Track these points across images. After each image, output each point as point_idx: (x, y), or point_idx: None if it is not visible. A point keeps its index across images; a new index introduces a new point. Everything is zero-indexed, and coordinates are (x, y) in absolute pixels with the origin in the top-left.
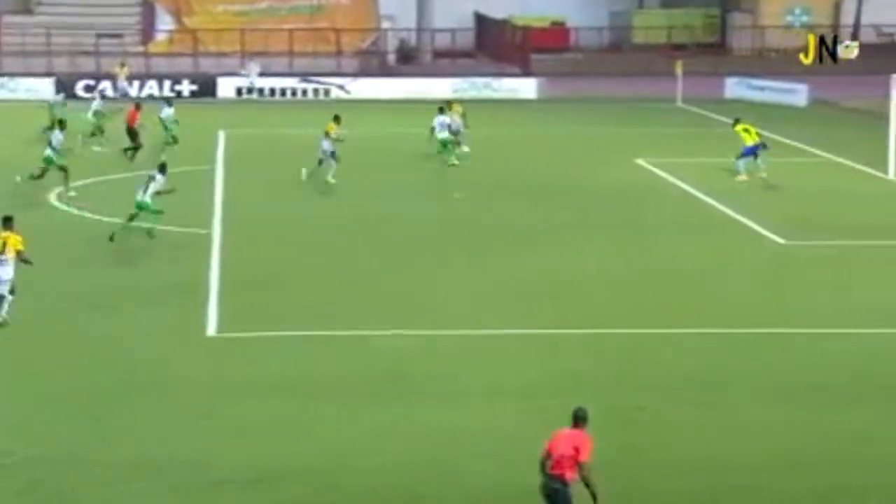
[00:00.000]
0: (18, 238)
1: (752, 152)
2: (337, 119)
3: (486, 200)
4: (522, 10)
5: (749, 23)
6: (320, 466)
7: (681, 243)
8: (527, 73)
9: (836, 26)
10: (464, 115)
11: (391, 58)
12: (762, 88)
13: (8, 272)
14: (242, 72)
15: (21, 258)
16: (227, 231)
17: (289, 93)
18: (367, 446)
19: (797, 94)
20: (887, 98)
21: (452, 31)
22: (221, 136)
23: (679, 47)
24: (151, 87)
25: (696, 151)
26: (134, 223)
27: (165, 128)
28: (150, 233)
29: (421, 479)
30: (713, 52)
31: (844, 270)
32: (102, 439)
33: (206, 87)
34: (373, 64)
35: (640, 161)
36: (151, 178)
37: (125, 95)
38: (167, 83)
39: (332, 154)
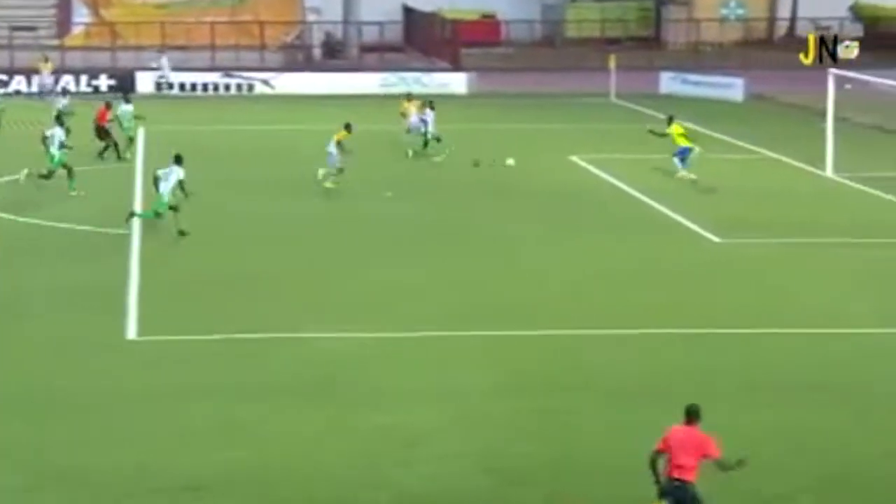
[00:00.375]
0: None
1: (686, 153)
2: (348, 127)
3: (419, 199)
4: (452, 2)
5: (684, 16)
6: (248, 474)
7: (616, 243)
8: (457, 67)
9: (772, 20)
10: (421, 107)
11: (317, 52)
12: (697, 83)
13: None
14: (153, 65)
15: None
16: (148, 231)
17: (211, 88)
18: (299, 452)
19: (733, 88)
20: (825, 93)
21: (380, 24)
22: (141, 132)
23: (613, 41)
24: (68, 82)
25: (631, 148)
26: (171, 210)
27: (121, 126)
28: (128, 218)
29: (354, 484)
30: (647, 46)
31: (779, 269)
32: (12, 447)
33: (124, 82)
34: (298, 58)
35: (574, 158)
36: (168, 173)
37: (49, 92)
38: (84, 78)
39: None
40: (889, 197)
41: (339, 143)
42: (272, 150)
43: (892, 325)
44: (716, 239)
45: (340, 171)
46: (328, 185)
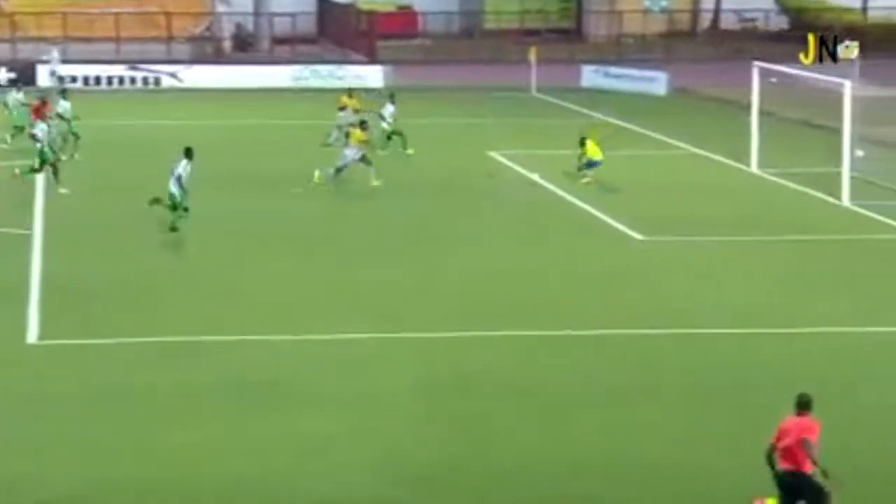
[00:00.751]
0: None
1: (596, 165)
2: (363, 125)
3: (329, 196)
4: None
5: (606, 7)
6: (145, 486)
7: (535, 241)
8: (373, 60)
9: (696, 11)
10: (356, 111)
11: (227, 44)
12: (620, 77)
13: None
14: (44, 57)
15: None
16: (50, 232)
17: (116, 81)
18: (201, 461)
19: (656, 82)
20: (749, 86)
21: (293, 15)
22: (42, 128)
23: (533, 33)
24: None
25: (551, 143)
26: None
27: (69, 123)
28: (172, 227)
29: (258, 495)
30: (569, 39)
31: (703, 268)
32: None
33: (24, 75)
34: (207, 51)
35: (493, 153)
36: (176, 166)
37: None
38: None
39: (363, 158)
40: (814, 193)
41: (350, 140)
42: (180, 145)
43: (813, 324)
44: (639, 237)
45: (338, 171)
46: (375, 182)
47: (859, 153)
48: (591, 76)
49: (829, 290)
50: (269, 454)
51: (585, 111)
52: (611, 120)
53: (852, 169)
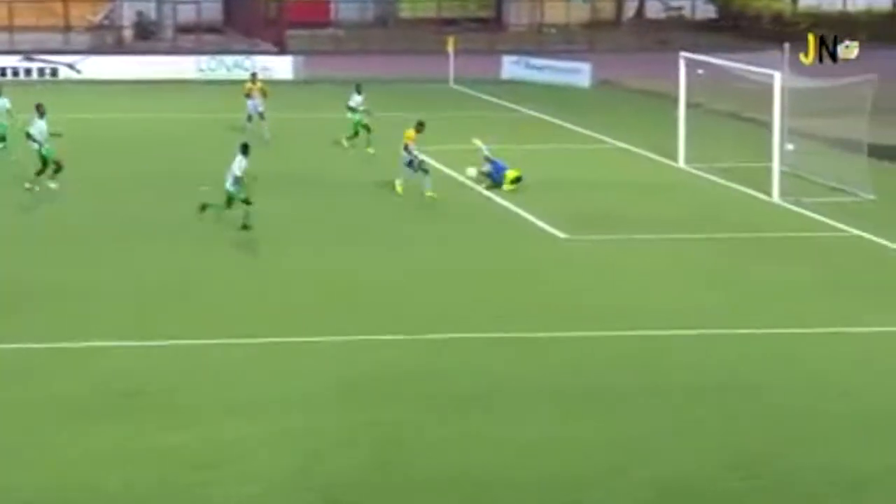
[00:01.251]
0: None
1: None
2: (420, 126)
3: (259, 194)
4: None
5: None
6: (43, 490)
7: (456, 240)
8: (282, 50)
9: (620, 0)
10: (264, 94)
11: (128, 33)
12: (542, 68)
13: None
14: None
15: None
16: None
17: (9, 73)
18: (84, 476)
19: (580, 74)
20: (675, 78)
21: (197, 2)
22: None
23: (450, 22)
24: None
25: (470, 137)
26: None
27: None
28: (245, 226)
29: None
30: (488, 28)
31: (626, 268)
32: None
33: None
34: (106, 40)
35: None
36: (235, 164)
37: None
38: None
39: (411, 163)
40: (744, 189)
41: (406, 147)
42: (78, 140)
43: (739, 325)
44: (561, 235)
45: (425, 171)
46: (430, 193)
47: (790, 147)
48: (511, 67)
49: (773, 291)
50: (155, 467)
51: (506, 104)
52: (532, 113)
53: (782, 163)
